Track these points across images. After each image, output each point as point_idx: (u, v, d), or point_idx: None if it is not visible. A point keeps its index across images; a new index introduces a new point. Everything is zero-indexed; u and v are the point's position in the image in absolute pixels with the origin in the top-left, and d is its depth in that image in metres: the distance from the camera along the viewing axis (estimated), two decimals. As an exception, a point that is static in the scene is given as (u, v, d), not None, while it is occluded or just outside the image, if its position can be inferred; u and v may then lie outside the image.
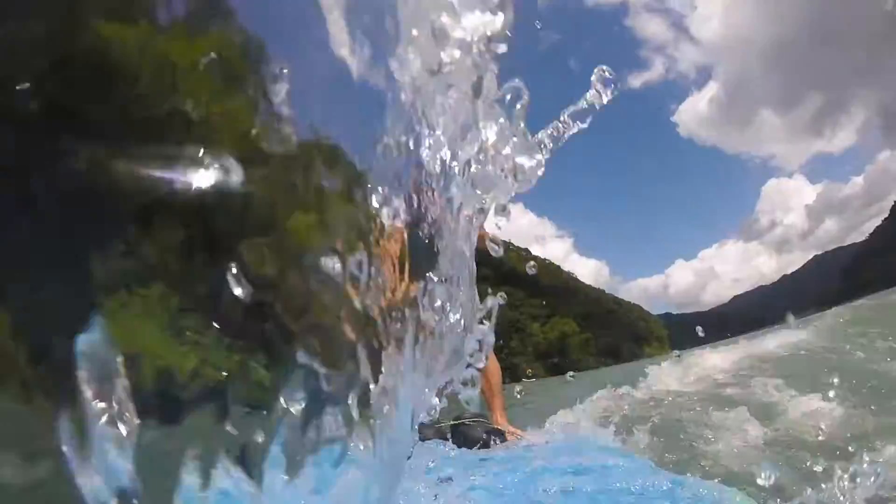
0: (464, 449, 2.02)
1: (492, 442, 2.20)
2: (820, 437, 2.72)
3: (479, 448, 2.09)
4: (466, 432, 2.19)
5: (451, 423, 2.33)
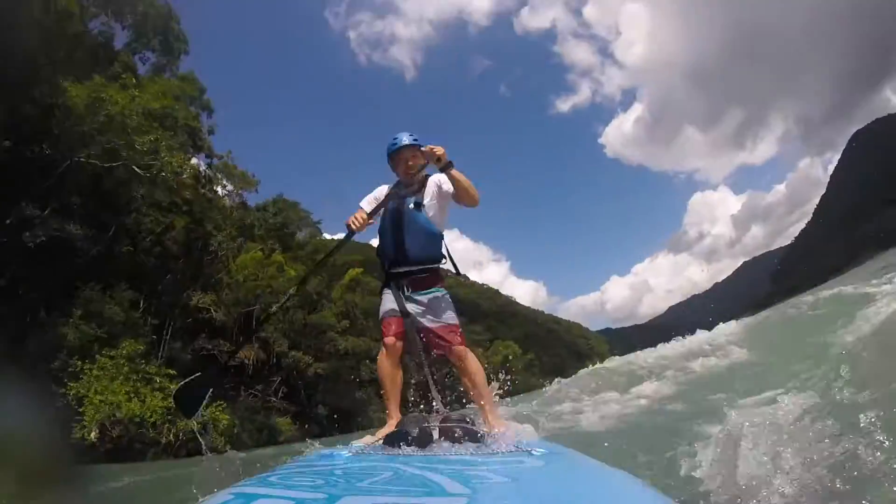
0: (452, 448, 1.99)
1: (482, 438, 2.17)
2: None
3: (466, 444, 2.06)
4: (454, 431, 2.14)
5: (439, 424, 2.28)
